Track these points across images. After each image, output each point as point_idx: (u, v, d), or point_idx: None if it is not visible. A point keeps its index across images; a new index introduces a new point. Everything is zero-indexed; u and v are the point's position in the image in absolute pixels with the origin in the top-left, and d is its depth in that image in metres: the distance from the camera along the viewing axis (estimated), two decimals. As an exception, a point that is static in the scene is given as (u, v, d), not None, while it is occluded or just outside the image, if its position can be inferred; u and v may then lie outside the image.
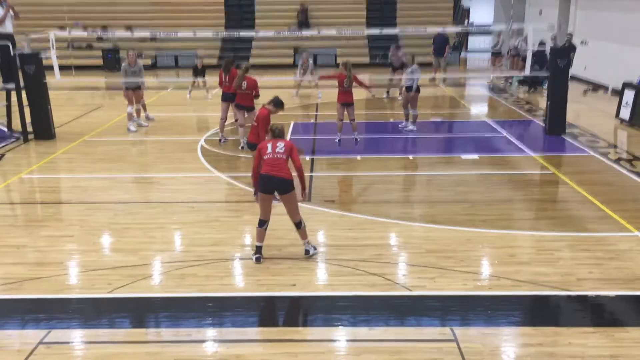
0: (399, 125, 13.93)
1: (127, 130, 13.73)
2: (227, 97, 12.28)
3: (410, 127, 13.54)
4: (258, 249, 7.00)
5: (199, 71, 17.85)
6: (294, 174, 6.88)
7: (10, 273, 6.79)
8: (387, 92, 18.34)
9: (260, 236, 6.98)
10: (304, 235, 7.08)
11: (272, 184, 6.77)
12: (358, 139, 12.25)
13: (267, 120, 8.48)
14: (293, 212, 6.94)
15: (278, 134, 6.99)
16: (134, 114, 14.11)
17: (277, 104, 8.59)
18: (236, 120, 12.23)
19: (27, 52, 12.89)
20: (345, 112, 12.13)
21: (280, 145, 6.84)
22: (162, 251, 7.40)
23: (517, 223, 8.29)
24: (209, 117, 15.41)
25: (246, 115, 11.67)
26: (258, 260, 6.97)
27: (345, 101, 12.07)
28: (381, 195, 9.42)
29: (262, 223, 6.94)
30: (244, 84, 11.38)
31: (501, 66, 21.02)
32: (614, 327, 5.63)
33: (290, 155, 6.85)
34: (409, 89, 13.22)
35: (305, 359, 5.21)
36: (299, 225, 6.99)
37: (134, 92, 13.71)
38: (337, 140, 12.07)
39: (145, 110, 14.75)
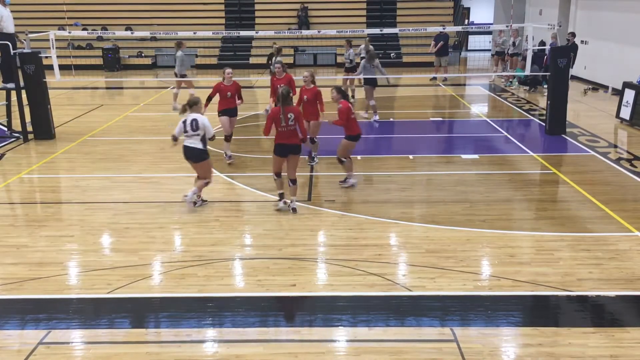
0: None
1: None
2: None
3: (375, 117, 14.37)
4: (281, 195, 8.62)
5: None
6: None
7: (10, 273, 6.79)
8: (352, 96, 16.53)
9: (280, 185, 8.60)
10: (294, 192, 8.55)
11: (287, 150, 8.40)
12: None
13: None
14: (294, 169, 8.49)
15: (285, 97, 8.27)
16: None
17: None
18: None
19: (27, 51, 12.89)
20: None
21: (291, 117, 8.27)
22: (162, 251, 7.40)
23: (517, 223, 8.29)
24: (208, 116, 15.35)
25: None
26: (284, 202, 8.57)
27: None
28: (381, 195, 9.42)
29: (278, 175, 8.53)
30: None
31: (505, 64, 20.97)
32: (614, 327, 5.63)
33: (298, 122, 8.35)
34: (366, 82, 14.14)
35: (305, 359, 5.21)
36: (294, 182, 8.49)
37: None
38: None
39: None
